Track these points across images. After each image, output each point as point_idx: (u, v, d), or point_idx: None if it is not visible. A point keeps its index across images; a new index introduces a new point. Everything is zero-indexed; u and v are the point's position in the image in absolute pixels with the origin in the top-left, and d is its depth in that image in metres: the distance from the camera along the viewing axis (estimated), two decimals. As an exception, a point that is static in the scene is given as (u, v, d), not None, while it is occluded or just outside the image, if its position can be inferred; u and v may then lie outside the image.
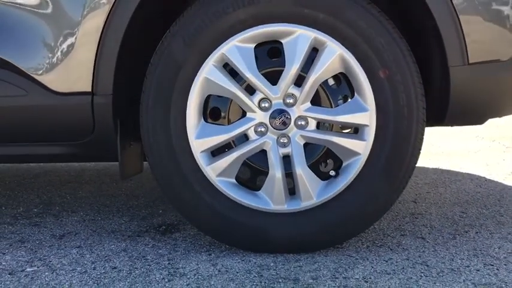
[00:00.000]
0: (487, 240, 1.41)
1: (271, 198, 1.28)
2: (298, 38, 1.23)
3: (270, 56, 1.30)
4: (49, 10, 1.26)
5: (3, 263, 1.28)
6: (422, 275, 1.18)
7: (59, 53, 1.27)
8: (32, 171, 2.39)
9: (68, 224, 1.61)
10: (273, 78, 1.25)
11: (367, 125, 1.24)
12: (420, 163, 1.67)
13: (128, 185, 2.09)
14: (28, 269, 1.24)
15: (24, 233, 1.53)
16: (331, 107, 1.29)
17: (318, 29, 1.22)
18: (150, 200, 1.86)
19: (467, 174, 2.29)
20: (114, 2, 1.23)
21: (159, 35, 1.31)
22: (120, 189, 2.04)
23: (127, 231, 1.52)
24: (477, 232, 1.47)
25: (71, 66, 1.27)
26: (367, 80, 1.23)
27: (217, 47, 1.24)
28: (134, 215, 1.69)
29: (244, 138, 1.29)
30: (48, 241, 1.45)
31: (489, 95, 1.32)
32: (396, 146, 1.25)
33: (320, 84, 1.26)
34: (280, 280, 1.15)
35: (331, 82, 1.29)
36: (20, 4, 1.28)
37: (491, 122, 1.56)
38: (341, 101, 1.30)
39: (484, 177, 2.23)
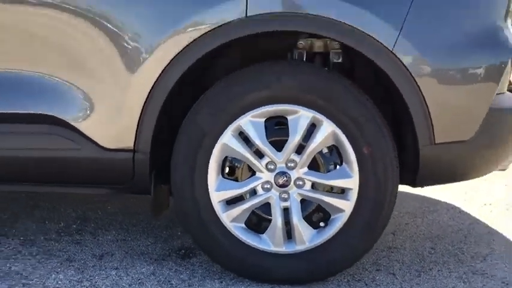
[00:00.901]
0: (445, 279, 1.74)
1: (272, 241, 1.61)
2: (300, 117, 1.54)
3: (276, 125, 1.61)
4: (107, 85, 1.57)
5: (59, 282, 1.62)
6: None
7: (109, 117, 1.58)
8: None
9: (104, 243, 1.95)
10: (278, 145, 1.57)
11: (351, 188, 1.56)
12: (404, 189, 1.97)
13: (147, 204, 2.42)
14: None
15: (69, 251, 1.86)
16: (324, 172, 1.61)
17: (316, 111, 1.53)
18: (168, 220, 2.18)
19: (445, 203, 2.60)
20: (158, 77, 1.53)
21: (186, 102, 1.62)
22: (142, 207, 2.36)
23: (153, 254, 1.86)
24: (439, 270, 1.80)
25: (119, 128, 1.59)
26: (353, 153, 1.54)
27: (235, 120, 1.55)
28: (157, 237, 2.02)
29: (253, 192, 1.61)
30: (90, 261, 1.79)
31: (453, 167, 1.64)
32: (374, 206, 1.57)
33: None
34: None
35: (325, 151, 1.61)
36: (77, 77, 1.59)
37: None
38: (332, 167, 1.62)
39: (459, 208, 2.55)
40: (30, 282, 1.63)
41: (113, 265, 1.76)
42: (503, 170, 1.89)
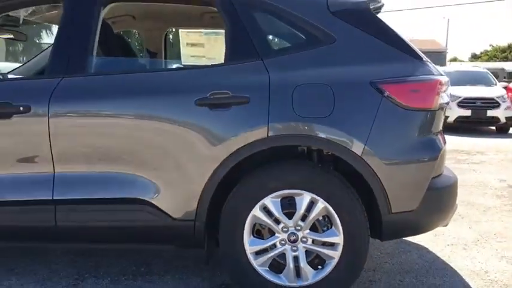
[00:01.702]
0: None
1: (287, 278, 2.42)
2: (303, 197, 2.37)
3: (288, 201, 2.43)
4: (179, 179, 2.41)
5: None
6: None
7: (179, 199, 2.42)
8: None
9: (169, 281, 2.76)
10: (290, 215, 2.40)
11: (338, 243, 2.38)
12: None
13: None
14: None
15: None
16: (320, 232, 2.43)
17: (314, 194, 2.36)
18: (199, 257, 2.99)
19: (417, 244, 3.41)
20: (209, 177, 2.37)
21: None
22: (184, 251, 3.16)
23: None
24: (402, 297, 2.60)
25: (185, 206, 2.42)
26: (339, 220, 2.36)
27: (261, 200, 2.39)
28: (205, 276, 2.84)
29: (273, 246, 2.43)
30: (162, 294, 2.61)
31: (405, 228, 2.46)
32: (353, 253, 2.38)
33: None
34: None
35: (320, 218, 2.43)
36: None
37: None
38: (325, 229, 2.44)
39: (427, 248, 3.35)
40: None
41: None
42: (445, 226, 2.71)
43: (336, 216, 2.37)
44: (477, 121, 11.76)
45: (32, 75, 3.39)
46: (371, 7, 2.58)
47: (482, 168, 6.85)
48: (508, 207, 4.60)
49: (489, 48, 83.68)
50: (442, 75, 2.56)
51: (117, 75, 2.57)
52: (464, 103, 11.58)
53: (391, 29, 2.54)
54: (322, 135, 2.33)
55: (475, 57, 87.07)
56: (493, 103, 11.52)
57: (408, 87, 2.40)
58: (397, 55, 2.47)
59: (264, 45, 2.51)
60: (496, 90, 12.08)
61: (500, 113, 11.48)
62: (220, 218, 2.44)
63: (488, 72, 13.76)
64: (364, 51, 2.47)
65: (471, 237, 3.64)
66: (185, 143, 2.38)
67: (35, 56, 3.97)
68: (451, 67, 15.20)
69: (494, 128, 11.98)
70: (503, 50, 76.67)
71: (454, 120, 11.65)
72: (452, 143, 9.56)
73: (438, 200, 2.48)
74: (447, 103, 2.60)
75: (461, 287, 2.76)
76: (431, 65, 2.57)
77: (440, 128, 2.61)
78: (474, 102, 11.57)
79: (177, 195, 2.42)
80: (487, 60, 72.74)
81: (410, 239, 3.45)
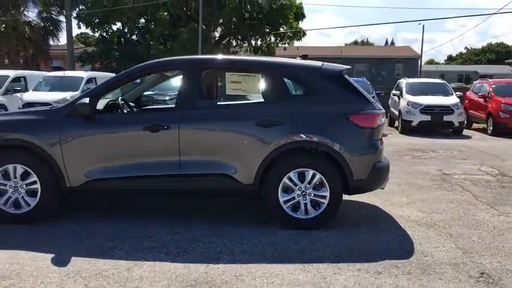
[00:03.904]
0: (361, 227, 4.87)
1: (301, 214, 4.71)
2: (309, 172, 4.66)
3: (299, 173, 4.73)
4: (246, 161, 4.69)
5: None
6: None
7: (246, 172, 4.68)
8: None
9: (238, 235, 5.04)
10: (302, 181, 4.69)
11: (327, 195, 4.68)
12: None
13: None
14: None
15: (225, 244, 4.95)
16: (317, 190, 4.72)
17: (315, 170, 4.65)
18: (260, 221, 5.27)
19: (372, 205, 5.75)
20: (262, 160, 4.65)
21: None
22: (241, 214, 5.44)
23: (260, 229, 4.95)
24: (360, 225, 4.93)
25: (249, 176, 4.69)
26: (327, 184, 4.66)
27: (288, 173, 4.67)
28: (261, 225, 5.11)
29: (293, 198, 4.72)
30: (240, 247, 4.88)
31: (361, 188, 4.80)
32: (335, 199, 4.68)
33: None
34: None
35: (318, 182, 4.71)
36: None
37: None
38: (320, 188, 4.71)
39: (377, 207, 5.69)
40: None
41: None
42: (383, 188, 5.06)
43: (325, 181, 4.67)
44: (436, 125, 14.29)
45: (168, 108, 5.70)
46: (344, 72, 4.92)
47: (429, 161, 9.28)
48: (436, 186, 6.98)
49: (464, 51, 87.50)
50: (380, 109, 4.91)
51: (211, 109, 4.86)
52: (425, 110, 14.12)
53: (354, 85, 4.88)
54: (318, 140, 4.63)
55: (451, 60, 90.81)
56: (449, 110, 14.09)
57: (362, 116, 4.72)
58: (356, 99, 4.81)
59: (288, 92, 4.83)
60: (451, 99, 14.64)
61: (454, 118, 14.07)
62: (267, 183, 4.72)
63: (447, 83, 16.33)
64: (340, 97, 4.80)
65: (405, 201, 6.00)
66: (250, 144, 4.65)
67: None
68: (415, 79, 17.70)
69: (451, 130, 14.51)
70: (477, 54, 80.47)
71: (417, 124, 14.20)
72: (412, 143, 12.11)
73: (377, 174, 4.81)
74: (383, 124, 4.94)
75: (393, 223, 5.09)
76: (376, 104, 4.91)
77: (381, 136, 4.96)
78: (433, 109, 14.13)
79: (245, 171, 4.69)
80: (462, 63, 76.41)
81: (368, 201, 5.78)
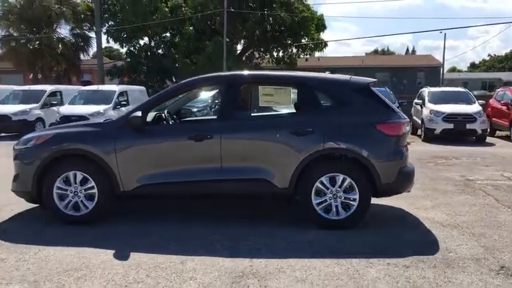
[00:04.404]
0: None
1: (332, 215, 5.14)
2: (340, 176, 5.10)
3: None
4: (282, 166, 5.15)
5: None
6: None
7: (282, 177, 5.14)
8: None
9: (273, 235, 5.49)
10: (334, 185, 5.12)
11: (356, 198, 5.10)
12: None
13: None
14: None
15: (262, 242, 5.40)
16: (348, 193, 5.14)
17: (345, 175, 5.09)
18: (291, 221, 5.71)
19: (398, 208, 6.13)
20: (298, 165, 5.11)
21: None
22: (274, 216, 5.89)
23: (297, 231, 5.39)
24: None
25: (285, 180, 5.15)
26: (356, 187, 5.09)
27: (320, 178, 5.11)
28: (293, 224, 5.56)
29: (325, 200, 5.15)
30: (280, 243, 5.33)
31: (389, 191, 5.21)
32: (364, 202, 5.10)
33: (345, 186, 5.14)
34: None
35: (348, 185, 5.14)
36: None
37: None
38: (350, 191, 5.14)
39: (403, 209, 6.07)
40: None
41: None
42: (409, 192, 5.46)
43: (355, 185, 5.09)
44: (458, 133, 14.51)
45: (210, 119, 6.29)
46: (370, 85, 5.36)
47: (452, 168, 9.59)
48: (459, 191, 7.31)
49: (487, 58, 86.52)
50: (405, 118, 5.33)
51: (248, 120, 5.35)
52: (448, 118, 14.38)
53: (380, 96, 5.31)
54: (347, 147, 5.07)
55: (474, 67, 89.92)
56: (471, 118, 14.32)
57: (388, 125, 5.15)
58: (383, 109, 5.24)
59: (319, 104, 5.29)
60: (473, 107, 14.86)
61: (477, 126, 14.29)
62: (301, 187, 5.16)
63: (469, 92, 16.55)
64: (367, 107, 5.23)
65: (429, 205, 6.36)
66: (286, 151, 5.11)
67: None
68: (437, 88, 17.93)
69: (474, 138, 14.71)
70: (501, 61, 79.52)
71: (440, 132, 14.45)
72: (435, 150, 12.39)
73: (403, 178, 5.21)
74: (408, 132, 5.35)
75: (419, 224, 5.46)
76: (401, 113, 5.32)
77: (406, 143, 5.36)
78: (456, 118, 14.37)
79: (281, 176, 5.14)
80: (485, 70, 75.62)
81: (394, 204, 6.16)
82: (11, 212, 5.90)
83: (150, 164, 5.25)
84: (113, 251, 4.45)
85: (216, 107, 19.67)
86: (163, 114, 5.87)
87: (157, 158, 5.26)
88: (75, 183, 5.29)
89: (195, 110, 13.32)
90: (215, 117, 5.68)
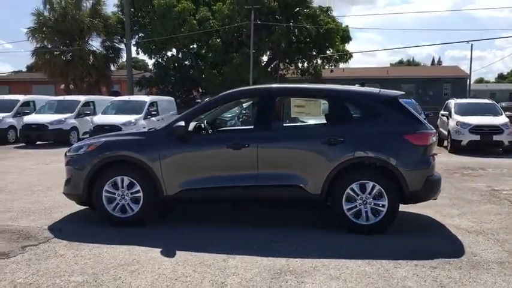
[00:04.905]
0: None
1: (362, 220, 5.44)
2: (370, 184, 5.41)
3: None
4: (314, 173, 5.50)
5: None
6: None
7: (314, 183, 5.48)
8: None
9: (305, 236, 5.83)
10: (363, 191, 5.44)
11: (385, 204, 5.40)
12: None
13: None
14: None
15: (297, 243, 5.74)
16: (377, 199, 5.44)
17: (375, 182, 5.40)
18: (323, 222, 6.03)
19: (424, 215, 6.39)
20: (329, 172, 5.43)
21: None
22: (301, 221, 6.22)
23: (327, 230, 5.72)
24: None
25: (317, 186, 5.49)
26: (385, 194, 5.39)
27: (351, 185, 5.43)
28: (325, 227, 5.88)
29: (356, 206, 5.45)
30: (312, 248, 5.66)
31: (416, 198, 5.50)
32: (392, 208, 5.39)
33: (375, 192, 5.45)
34: None
35: (378, 193, 5.44)
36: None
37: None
38: (379, 197, 5.44)
39: (429, 217, 6.33)
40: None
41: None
42: (435, 199, 5.72)
43: (384, 192, 5.39)
44: (485, 144, 14.58)
45: (247, 129, 6.68)
46: (399, 97, 5.68)
47: (478, 179, 9.75)
48: (485, 201, 7.51)
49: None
50: (432, 129, 5.62)
51: (283, 131, 5.73)
52: (474, 130, 14.48)
53: (407, 108, 5.62)
54: (377, 156, 5.38)
55: (502, 78, 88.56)
56: (498, 130, 14.39)
57: (417, 136, 5.45)
58: (411, 120, 5.55)
59: (350, 115, 5.63)
60: (500, 119, 14.93)
61: (504, 138, 14.35)
62: (332, 193, 5.49)
63: (496, 103, 16.60)
64: (395, 119, 5.55)
65: (456, 213, 6.60)
66: (319, 159, 5.46)
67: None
68: (464, 100, 18.00)
69: (501, 149, 14.75)
70: (529, 71, 78.12)
71: (466, 144, 14.54)
72: (462, 161, 12.53)
73: (430, 185, 5.49)
74: (435, 142, 5.64)
75: (445, 230, 5.72)
76: (428, 125, 5.62)
77: (432, 152, 5.65)
78: (483, 129, 14.47)
79: (313, 183, 5.48)
80: (514, 81, 74.43)
81: (421, 212, 6.42)
82: (61, 214, 6.39)
83: (192, 170, 5.66)
84: (159, 249, 4.85)
85: (243, 117, 20.19)
86: (202, 124, 6.29)
87: (198, 165, 5.66)
88: (123, 187, 5.73)
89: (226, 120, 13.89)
90: (251, 127, 6.06)
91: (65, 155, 6.23)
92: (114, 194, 5.75)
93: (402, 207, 5.71)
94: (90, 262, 4.53)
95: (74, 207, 6.44)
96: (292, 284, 4.01)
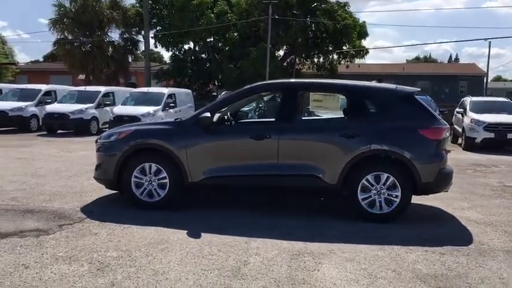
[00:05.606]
0: (427, 223, 5.82)
1: (376, 210, 5.73)
2: (384, 175, 5.70)
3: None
4: (331, 164, 5.80)
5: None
6: (409, 227, 5.63)
7: (331, 173, 5.79)
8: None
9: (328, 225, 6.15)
10: (378, 183, 5.73)
11: (398, 195, 5.68)
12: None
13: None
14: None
15: (312, 230, 6.07)
16: (391, 190, 5.73)
17: (389, 174, 5.69)
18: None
19: (437, 208, 6.67)
20: (346, 164, 5.73)
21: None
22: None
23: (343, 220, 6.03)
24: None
25: (340, 177, 5.79)
26: (399, 185, 5.68)
27: (366, 176, 5.73)
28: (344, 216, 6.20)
29: (370, 196, 5.75)
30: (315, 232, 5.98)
31: (428, 189, 5.78)
32: (405, 199, 5.68)
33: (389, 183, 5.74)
34: (378, 226, 5.63)
35: (391, 184, 5.73)
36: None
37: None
38: (393, 188, 5.72)
39: (441, 209, 6.60)
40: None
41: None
42: (447, 191, 6.00)
43: (397, 183, 5.68)
44: (499, 142, 14.71)
45: (269, 121, 6.98)
46: (414, 94, 5.95)
47: (491, 175, 9.96)
48: (496, 195, 7.75)
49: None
50: (446, 124, 5.89)
51: (302, 123, 6.04)
52: (489, 127, 14.62)
53: (423, 104, 5.89)
54: (391, 149, 5.67)
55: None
56: (512, 128, 14.48)
57: (431, 130, 5.72)
58: (426, 116, 5.82)
59: (367, 110, 5.92)
60: (515, 117, 15.01)
61: (518, 136, 14.43)
62: (348, 183, 5.79)
63: (510, 101, 16.65)
64: (411, 114, 5.83)
65: (466, 206, 6.86)
66: (336, 151, 5.76)
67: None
68: (479, 98, 18.09)
69: (514, 147, 14.86)
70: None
71: (480, 141, 14.69)
72: (475, 158, 12.72)
73: (442, 178, 5.77)
74: (448, 137, 5.90)
75: (455, 221, 5.99)
76: (442, 120, 5.89)
77: (445, 147, 5.92)
78: (497, 127, 14.60)
79: (330, 173, 5.79)
80: (532, 79, 73.51)
81: (433, 204, 6.69)
82: (91, 198, 6.79)
83: (215, 158, 6.00)
84: (185, 231, 5.21)
85: (260, 111, 20.53)
86: (225, 116, 6.63)
87: (221, 154, 6.01)
88: (150, 173, 6.10)
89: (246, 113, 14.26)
90: (273, 119, 6.39)
91: (96, 141, 6.62)
92: (142, 179, 6.13)
93: (415, 199, 5.99)
94: (123, 240, 4.90)
95: (102, 191, 6.83)
96: (310, 264, 4.34)
